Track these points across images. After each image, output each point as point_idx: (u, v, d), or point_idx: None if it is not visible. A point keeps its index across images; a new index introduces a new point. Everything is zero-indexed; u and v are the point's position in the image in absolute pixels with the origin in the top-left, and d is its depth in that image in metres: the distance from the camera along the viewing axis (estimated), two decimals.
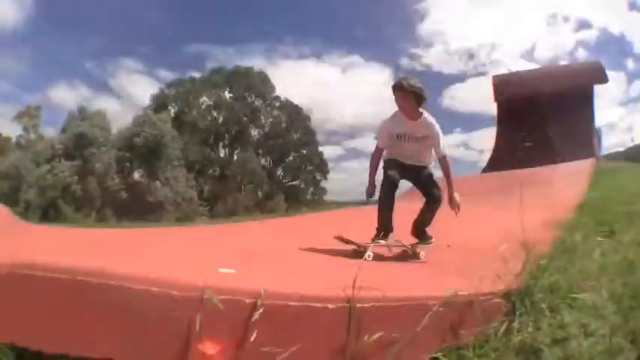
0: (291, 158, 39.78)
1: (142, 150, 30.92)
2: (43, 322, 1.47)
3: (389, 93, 3.52)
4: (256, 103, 40.15)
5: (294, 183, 39.33)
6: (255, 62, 41.92)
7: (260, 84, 38.92)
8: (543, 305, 1.91)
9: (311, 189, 39.33)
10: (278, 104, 40.45)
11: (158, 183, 31.09)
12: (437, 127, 3.66)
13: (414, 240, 3.74)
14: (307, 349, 1.42)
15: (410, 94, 3.47)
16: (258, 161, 38.76)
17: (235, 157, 38.81)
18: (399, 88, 3.52)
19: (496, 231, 3.09)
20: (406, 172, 3.85)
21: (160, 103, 37.81)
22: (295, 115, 39.08)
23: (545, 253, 2.48)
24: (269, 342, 1.37)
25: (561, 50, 57.49)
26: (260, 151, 40.07)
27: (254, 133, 40.61)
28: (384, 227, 3.67)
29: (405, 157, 3.85)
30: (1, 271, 1.50)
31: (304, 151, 40.33)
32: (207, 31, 72.13)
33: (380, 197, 3.90)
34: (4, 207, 9.35)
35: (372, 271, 2.04)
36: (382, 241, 3.55)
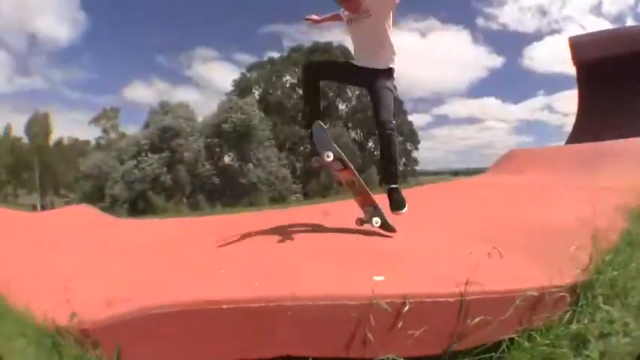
0: None
1: (231, 135, 31.37)
2: (229, 339, 1.92)
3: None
4: None
5: None
6: (332, 37, 42.38)
7: (342, 58, 38.06)
8: (601, 299, 2.11)
9: (402, 160, 38.30)
10: None
11: (250, 165, 31.40)
12: None
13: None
14: (431, 330, 1.92)
15: None
16: (349, 135, 38.41)
17: None
18: None
19: (571, 215, 3.35)
20: (360, 76, 3.36)
21: (243, 87, 38.65)
22: None
23: (612, 246, 2.60)
24: (410, 327, 1.88)
25: (625, 5, 52.50)
26: (349, 125, 39.86)
27: (342, 107, 40.73)
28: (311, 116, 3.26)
29: (357, 53, 3.35)
30: (185, 307, 1.89)
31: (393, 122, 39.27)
32: (279, 11, 72.48)
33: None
34: (89, 206, 9.84)
35: (473, 261, 2.30)
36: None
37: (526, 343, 1.96)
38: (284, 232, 3.42)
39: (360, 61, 3.36)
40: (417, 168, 41.68)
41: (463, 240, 3.23)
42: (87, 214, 8.27)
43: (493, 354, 1.94)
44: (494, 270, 2.44)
